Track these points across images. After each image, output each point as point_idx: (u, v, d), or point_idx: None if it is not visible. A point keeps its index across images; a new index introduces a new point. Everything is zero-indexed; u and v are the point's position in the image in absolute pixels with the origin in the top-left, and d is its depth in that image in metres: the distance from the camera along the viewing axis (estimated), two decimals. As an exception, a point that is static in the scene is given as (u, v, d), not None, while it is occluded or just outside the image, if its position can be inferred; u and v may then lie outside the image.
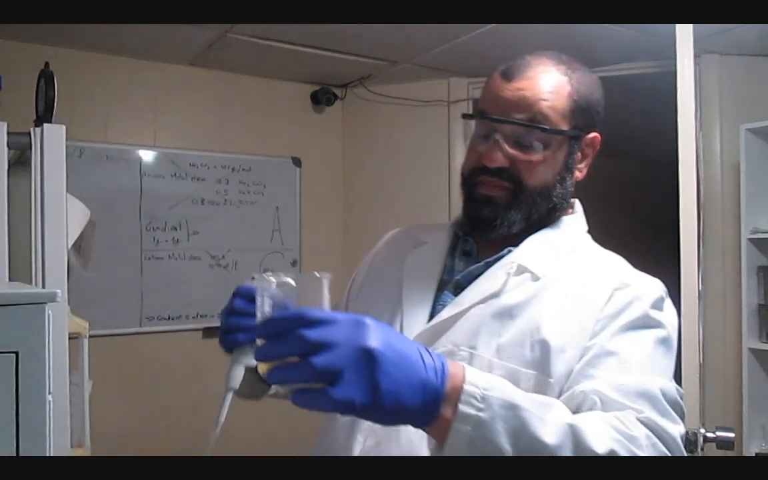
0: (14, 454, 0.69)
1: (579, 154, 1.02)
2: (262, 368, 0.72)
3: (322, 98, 3.26)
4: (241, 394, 0.95)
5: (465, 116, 1.11)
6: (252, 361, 0.89)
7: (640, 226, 4.73)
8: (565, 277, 0.96)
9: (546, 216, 1.02)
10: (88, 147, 2.75)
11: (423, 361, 0.72)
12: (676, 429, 0.83)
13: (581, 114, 0.99)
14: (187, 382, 2.94)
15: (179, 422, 2.91)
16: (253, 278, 0.79)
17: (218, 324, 1.00)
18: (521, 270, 0.97)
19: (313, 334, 0.67)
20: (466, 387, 0.72)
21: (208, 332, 2.99)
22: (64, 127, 1.45)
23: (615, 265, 1.00)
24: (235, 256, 3.08)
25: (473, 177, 1.01)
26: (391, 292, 1.05)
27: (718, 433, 1.46)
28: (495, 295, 0.95)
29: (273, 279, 0.74)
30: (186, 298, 2.97)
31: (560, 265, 0.98)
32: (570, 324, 0.90)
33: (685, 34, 1.55)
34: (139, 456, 0.77)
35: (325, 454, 1.04)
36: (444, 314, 0.97)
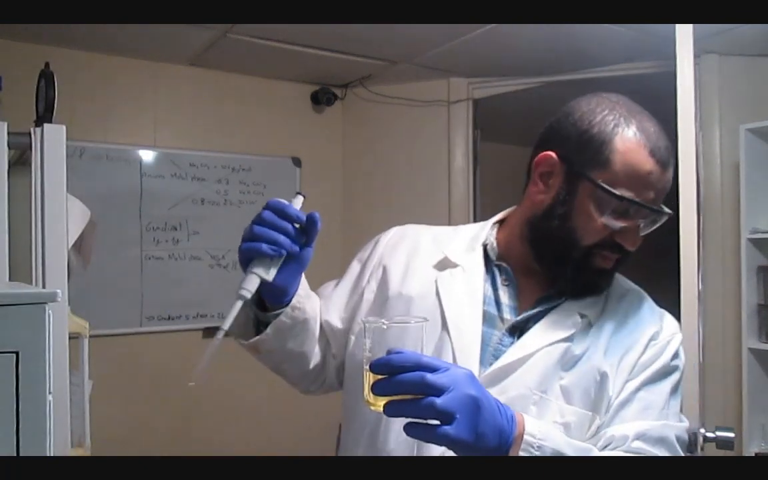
0: (14, 454, 0.69)
1: None
2: (376, 402, 0.82)
3: (322, 98, 3.26)
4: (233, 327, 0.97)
5: (630, 201, 0.96)
6: (268, 276, 0.93)
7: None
8: (610, 321, 1.03)
9: None
10: (88, 147, 2.75)
11: (500, 410, 0.85)
12: None
13: None
14: (187, 382, 2.94)
15: (179, 422, 2.92)
16: (363, 321, 0.88)
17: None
18: (582, 316, 1.02)
19: (432, 377, 0.79)
20: (527, 437, 0.85)
21: (208, 332, 2.99)
22: (64, 127, 1.45)
23: (645, 309, 1.08)
24: (235, 256, 3.03)
25: (596, 249, 0.99)
26: (431, 320, 1.00)
27: (718, 433, 1.46)
28: (563, 341, 0.99)
29: (384, 322, 0.86)
30: (186, 298, 2.97)
31: (605, 309, 1.05)
32: (617, 371, 0.99)
33: (685, 34, 1.55)
34: (139, 456, 0.77)
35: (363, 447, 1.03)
36: (511, 356, 0.99)
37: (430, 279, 1.07)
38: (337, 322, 1.12)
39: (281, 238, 0.93)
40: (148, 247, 2.91)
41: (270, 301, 1.01)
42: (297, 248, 0.95)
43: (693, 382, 1.51)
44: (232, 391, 2.87)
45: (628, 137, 0.97)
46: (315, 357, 1.10)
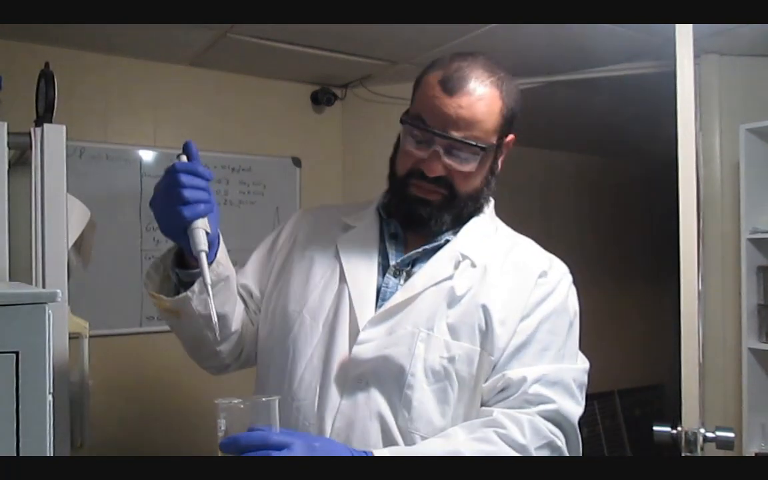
0: (14, 454, 0.69)
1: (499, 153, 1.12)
2: None
3: (322, 98, 3.26)
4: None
5: (403, 122, 1.10)
6: (209, 229, 0.98)
7: (639, 225, 4.73)
8: (496, 263, 1.08)
9: (474, 212, 1.14)
10: (88, 147, 2.75)
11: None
12: (578, 410, 1.05)
13: (508, 124, 1.09)
14: (187, 382, 2.94)
15: (179, 422, 2.91)
16: (216, 402, 0.93)
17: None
18: (464, 258, 1.07)
19: (276, 454, 0.84)
20: None
21: (208, 332, 2.99)
22: (64, 127, 1.45)
23: (533, 251, 1.14)
24: (235, 256, 3.04)
25: (409, 178, 1.08)
26: (331, 276, 1.11)
27: (718, 433, 1.46)
28: (446, 279, 1.05)
29: (236, 401, 0.90)
30: (186, 298, 2.97)
31: (490, 252, 1.09)
32: (506, 309, 1.03)
33: (685, 34, 1.55)
34: (139, 456, 0.77)
35: None
36: (398, 297, 1.05)
37: (331, 241, 1.16)
38: (254, 286, 1.22)
39: (207, 195, 0.98)
40: (148, 247, 2.90)
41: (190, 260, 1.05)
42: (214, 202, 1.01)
43: (693, 382, 1.51)
44: (232, 391, 2.86)
45: (432, 72, 1.07)
46: (236, 321, 1.16)
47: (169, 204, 0.97)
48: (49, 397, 0.71)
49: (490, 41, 2.60)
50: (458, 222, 1.11)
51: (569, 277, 1.11)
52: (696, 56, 1.78)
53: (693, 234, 1.56)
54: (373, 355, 1.00)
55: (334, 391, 1.01)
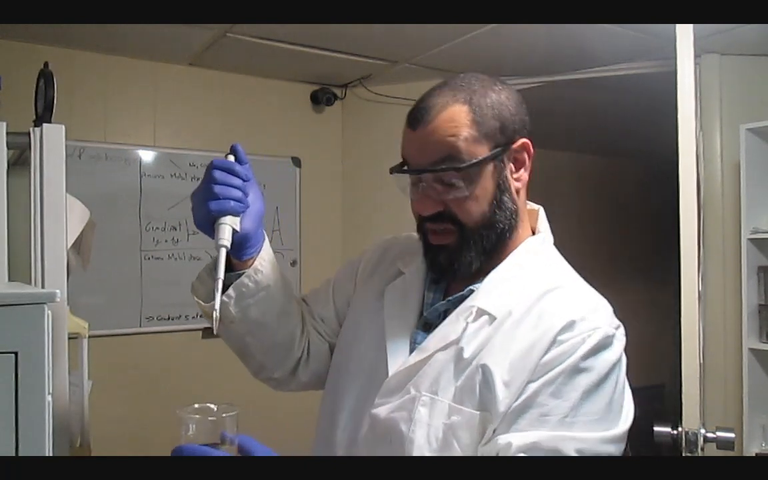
0: (14, 454, 0.69)
1: (512, 166, 1.00)
2: None
3: (322, 98, 3.26)
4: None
5: (392, 171, 1.06)
6: (236, 225, 1.02)
7: (640, 225, 4.73)
8: (518, 313, 0.95)
9: (502, 241, 1.01)
10: (88, 147, 2.75)
11: None
12: None
13: (496, 132, 0.97)
14: (187, 382, 2.94)
15: (179, 422, 2.92)
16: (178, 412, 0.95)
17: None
18: (480, 313, 0.96)
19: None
20: None
21: (207, 332, 2.99)
22: (63, 127, 1.45)
23: (569, 298, 0.97)
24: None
25: (421, 226, 1.03)
26: (375, 327, 1.07)
27: (718, 433, 1.46)
28: (454, 343, 0.96)
29: (191, 414, 0.96)
30: (186, 298, 2.93)
31: (517, 299, 0.96)
32: (513, 369, 0.91)
33: (685, 34, 1.55)
34: (139, 456, 0.77)
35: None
36: (411, 360, 0.99)
37: (382, 288, 1.11)
38: (335, 320, 1.19)
39: (240, 193, 1.02)
40: (147, 247, 2.91)
41: (237, 258, 1.07)
42: (249, 203, 1.04)
43: (693, 382, 1.51)
44: (231, 392, 2.87)
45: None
46: (280, 332, 1.12)
47: (201, 198, 1.01)
48: (49, 397, 0.71)
49: (490, 41, 2.60)
50: (492, 258, 1.00)
51: (603, 331, 0.92)
52: (696, 56, 1.78)
53: (693, 234, 1.56)
54: (385, 416, 0.97)
55: (362, 445, 1.00)
